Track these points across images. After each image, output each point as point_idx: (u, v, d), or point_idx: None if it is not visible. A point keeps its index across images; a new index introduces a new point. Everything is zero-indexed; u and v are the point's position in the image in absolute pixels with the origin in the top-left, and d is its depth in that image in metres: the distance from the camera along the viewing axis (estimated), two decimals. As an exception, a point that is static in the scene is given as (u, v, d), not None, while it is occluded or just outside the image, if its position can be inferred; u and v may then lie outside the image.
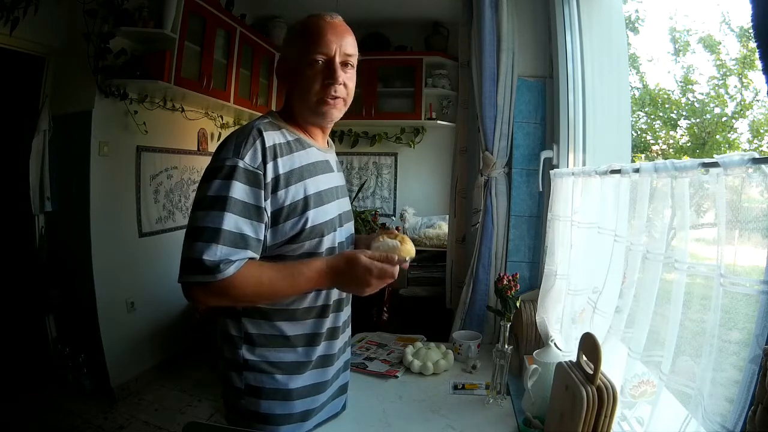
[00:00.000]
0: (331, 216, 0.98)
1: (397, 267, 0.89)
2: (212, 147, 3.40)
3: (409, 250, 0.97)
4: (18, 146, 2.53)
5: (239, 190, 0.85)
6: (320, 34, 0.94)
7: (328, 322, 1.01)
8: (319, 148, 1.03)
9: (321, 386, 1.02)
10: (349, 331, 1.13)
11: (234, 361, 0.96)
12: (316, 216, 0.94)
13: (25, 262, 2.61)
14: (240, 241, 0.85)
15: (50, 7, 2.31)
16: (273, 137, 0.92)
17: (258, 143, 0.88)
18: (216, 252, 0.82)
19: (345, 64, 0.96)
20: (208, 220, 0.84)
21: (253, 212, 0.87)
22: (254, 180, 0.87)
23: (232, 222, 0.84)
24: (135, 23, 2.44)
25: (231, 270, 0.83)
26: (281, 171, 0.90)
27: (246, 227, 0.86)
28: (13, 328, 2.65)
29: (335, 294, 1.02)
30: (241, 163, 0.86)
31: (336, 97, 0.96)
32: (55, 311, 2.64)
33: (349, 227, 1.09)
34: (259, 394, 0.95)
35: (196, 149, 3.28)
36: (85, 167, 2.46)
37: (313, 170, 0.97)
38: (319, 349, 1.00)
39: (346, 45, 0.96)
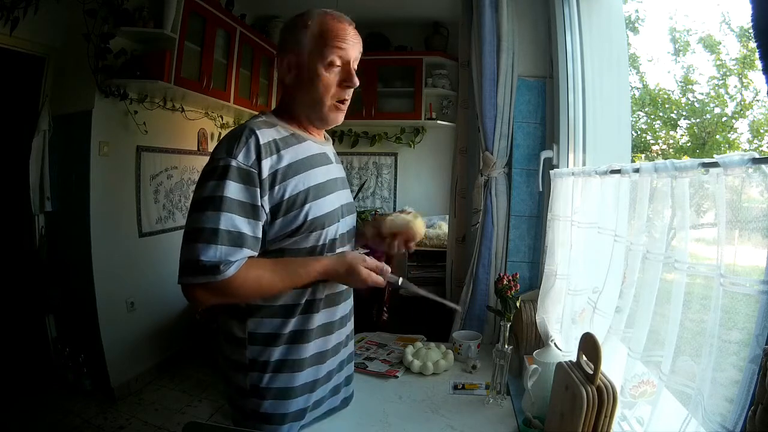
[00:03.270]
0: (332, 208, 0.99)
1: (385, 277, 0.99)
2: (212, 147, 3.37)
3: (419, 225, 1.14)
4: (18, 146, 2.53)
5: (233, 189, 0.86)
6: (343, 38, 0.96)
7: (319, 318, 0.99)
8: (316, 141, 1.03)
9: (317, 382, 1.01)
10: (349, 326, 1.12)
11: (239, 361, 0.96)
12: (315, 208, 0.94)
13: (25, 262, 2.61)
14: (238, 239, 0.86)
15: (50, 7, 2.31)
16: (267, 134, 0.92)
17: (251, 141, 0.89)
18: (215, 252, 0.83)
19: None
20: (204, 221, 0.85)
21: (249, 210, 0.87)
22: (248, 178, 0.87)
23: (228, 221, 0.85)
24: (135, 23, 2.44)
25: (231, 270, 0.84)
26: (278, 166, 0.90)
27: (243, 226, 0.86)
28: (13, 328, 2.65)
29: (326, 290, 0.99)
30: (233, 162, 0.86)
31: (345, 100, 1.00)
32: (55, 311, 2.64)
33: (350, 220, 1.09)
34: (264, 394, 0.95)
35: (196, 149, 3.28)
36: (85, 167, 2.46)
37: (311, 163, 0.97)
38: (314, 345, 0.99)
39: (359, 50, 0.99)
